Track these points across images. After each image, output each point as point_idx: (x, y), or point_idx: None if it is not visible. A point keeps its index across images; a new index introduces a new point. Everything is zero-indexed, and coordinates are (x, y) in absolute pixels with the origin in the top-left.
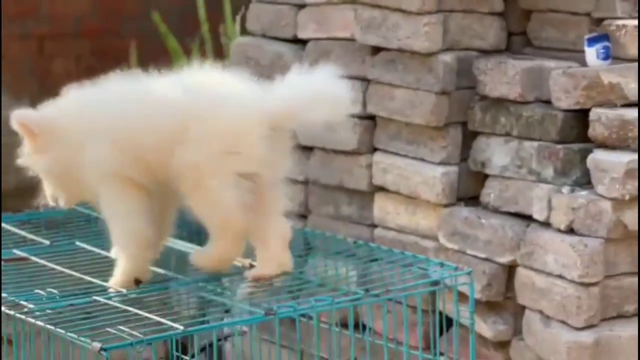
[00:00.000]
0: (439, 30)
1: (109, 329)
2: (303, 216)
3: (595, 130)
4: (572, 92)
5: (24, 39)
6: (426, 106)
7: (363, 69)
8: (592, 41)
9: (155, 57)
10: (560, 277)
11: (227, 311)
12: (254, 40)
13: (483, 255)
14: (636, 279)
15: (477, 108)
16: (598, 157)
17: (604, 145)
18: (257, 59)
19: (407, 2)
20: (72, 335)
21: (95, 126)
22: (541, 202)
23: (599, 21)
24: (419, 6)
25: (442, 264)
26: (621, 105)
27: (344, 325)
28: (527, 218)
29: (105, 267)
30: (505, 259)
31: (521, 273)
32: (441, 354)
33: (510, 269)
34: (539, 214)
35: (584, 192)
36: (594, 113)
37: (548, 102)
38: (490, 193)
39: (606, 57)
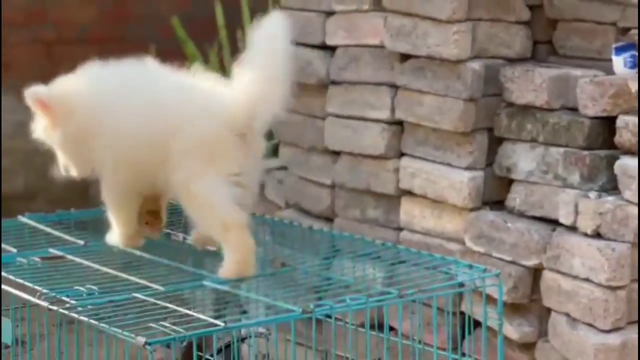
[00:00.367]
0: (468, 38)
1: (152, 324)
2: (329, 219)
3: (622, 137)
4: (599, 99)
5: (32, 45)
6: (454, 112)
7: (392, 76)
8: (619, 50)
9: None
10: (587, 280)
11: (243, 312)
12: None
13: (509, 258)
14: None
15: (504, 115)
16: (626, 163)
17: (630, 152)
18: None
19: (437, 11)
20: (115, 329)
21: (106, 104)
22: (567, 206)
23: (625, 31)
24: (449, 15)
25: (470, 266)
26: None
27: (363, 326)
28: (553, 222)
29: (140, 265)
30: (531, 262)
31: (547, 276)
32: (463, 354)
33: (535, 272)
34: (565, 219)
35: (610, 198)
36: (621, 120)
37: (573, 110)
38: (516, 197)
39: (633, 66)
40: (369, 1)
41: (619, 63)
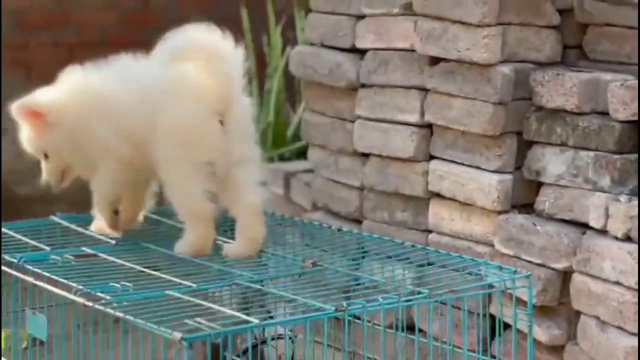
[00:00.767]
0: (498, 42)
1: (187, 321)
2: (357, 221)
3: None
4: (630, 104)
5: (53, 47)
6: (483, 116)
7: (422, 79)
8: None
9: None
10: (617, 283)
11: (268, 313)
12: (313, 49)
13: (538, 261)
14: None
15: (533, 118)
16: None
17: None
18: (315, 67)
19: (467, 15)
20: (152, 325)
21: (96, 106)
22: (598, 210)
23: None
24: (479, 19)
25: (500, 268)
26: None
27: (394, 327)
28: (582, 225)
29: (171, 264)
30: (560, 264)
31: (577, 279)
32: (492, 356)
33: (565, 275)
34: (595, 222)
35: None
36: None
37: (603, 114)
38: (545, 201)
39: None
40: (399, 5)
41: None
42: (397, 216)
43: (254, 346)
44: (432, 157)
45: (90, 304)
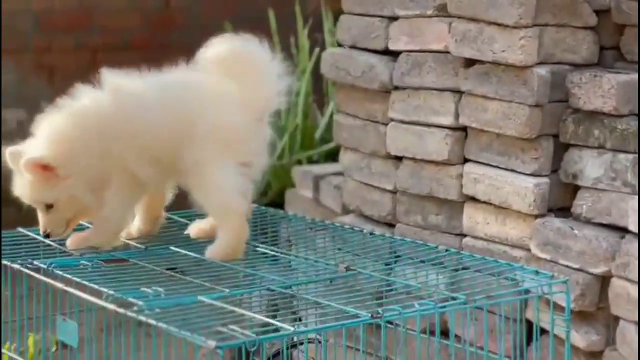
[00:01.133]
0: (535, 43)
1: (220, 328)
2: (390, 225)
3: None
4: None
5: (77, 51)
6: (519, 118)
7: (456, 81)
8: None
9: None
10: None
11: (299, 319)
12: (345, 51)
13: (576, 266)
14: None
15: (570, 121)
16: None
17: None
18: (347, 69)
19: (503, 16)
20: (185, 333)
21: (110, 132)
22: (636, 214)
23: None
24: (516, 20)
25: (537, 272)
26: None
27: (428, 332)
28: (621, 229)
29: (203, 269)
30: (599, 269)
31: (616, 284)
32: None
33: (603, 280)
34: (634, 226)
35: None
36: None
37: None
38: (583, 204)
39: None
40: (433, 6)
41: None
42: (431, 220)
43: (275, 355)
44: (466, 160)
45: (122, 310)
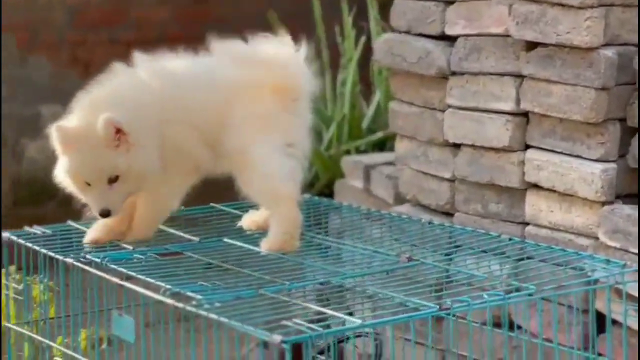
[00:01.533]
0: (601, 24)
1: (285, 322)
2: (448, 214)
3: None
4: None
5: (111, 45)
6: (585, 102)
7: (517, 65)
8: None
9: None
10: None
11: (350, 313)
12: (400, 36)
13: None
14: None
15: (637, 104)
16: None
17: None
18: (403, 55)
19: None
20: (249, 328)
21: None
22: None
23: None
24: (581, 0)
25: (608, 261)
26: None
27: (492, 324)
28: None
29: (259, 261)
30: None
31: None
32: (599, 354)
33: None
34: None
35: None
36: None
37: None
38: None
39: None
40: None
41: None
42: (491, 208)
43: (337, 343)
44: (527, 147)
45: (180, 305)
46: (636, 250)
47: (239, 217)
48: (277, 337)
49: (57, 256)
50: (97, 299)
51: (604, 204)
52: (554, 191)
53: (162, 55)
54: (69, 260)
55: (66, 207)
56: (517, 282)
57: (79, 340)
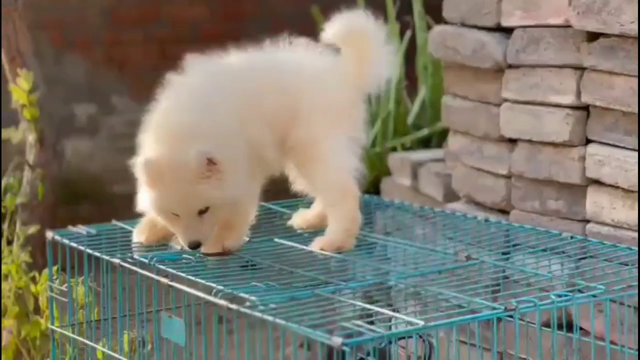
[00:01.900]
0: None
1: (344, 324)
2: (504, 211)
3: None
4: None
5: (145, 43)
6: None
7: (577, 57)
8: None
9: None
10: None
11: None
12: (453, 28)
13: None
14: None
15: None
16: None
17: None
18: (456, 47)
19: None
20: (307, 329)
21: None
22: None
23: None
24: None
25: None
26: None
27: (548, 326)
28: None
29: (311, 261)
30: None
31: None
32: None
33: None
34: None
35: None
36: None
37: None
38: None
39: None
40: None
41: None
42: (550, 205)
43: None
44: (588, 141)
45: (234, 306)
46: None
47: (288, 215)
48: (337, 339)
49: (104, 256)
50: (145, 300)
51: None
52: (617, 187)
53: (213, 56)
54: (115, 260)
55: (100, 207)
56: (583, 282)
57: (121, 342)
